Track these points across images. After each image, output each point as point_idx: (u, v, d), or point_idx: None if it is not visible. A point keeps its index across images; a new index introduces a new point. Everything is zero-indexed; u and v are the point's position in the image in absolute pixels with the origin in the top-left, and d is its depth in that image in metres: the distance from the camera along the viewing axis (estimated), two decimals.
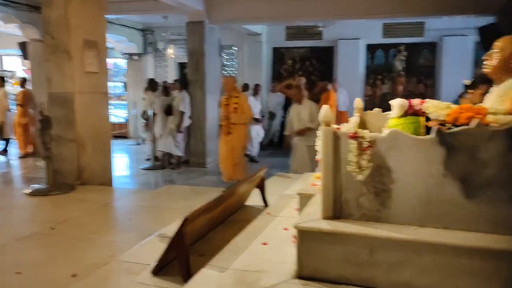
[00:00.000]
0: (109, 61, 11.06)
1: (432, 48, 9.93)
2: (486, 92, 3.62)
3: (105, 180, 5.61)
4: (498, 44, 2.36)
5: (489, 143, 1.88)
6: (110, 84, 8.81)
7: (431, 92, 9.97)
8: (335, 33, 10.22)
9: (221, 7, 7.80)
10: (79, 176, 5.34)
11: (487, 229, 1.93)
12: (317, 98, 8.98)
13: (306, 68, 10.80)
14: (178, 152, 7.89)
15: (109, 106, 5.95)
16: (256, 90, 9.22)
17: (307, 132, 5.57)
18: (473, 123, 1.91)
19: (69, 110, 5.24)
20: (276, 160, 8.48)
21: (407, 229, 2.00)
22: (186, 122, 7.87)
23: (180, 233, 2.49)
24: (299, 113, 5.67)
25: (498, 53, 2.33)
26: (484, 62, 2.44)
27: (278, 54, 11.01)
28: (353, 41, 10.19)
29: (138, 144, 10.93)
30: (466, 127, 1.92)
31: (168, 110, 7.85)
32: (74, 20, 5.15)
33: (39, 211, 4.51)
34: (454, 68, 9.49)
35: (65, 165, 5.32)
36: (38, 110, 5.56)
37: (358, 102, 3.10)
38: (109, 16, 7.03)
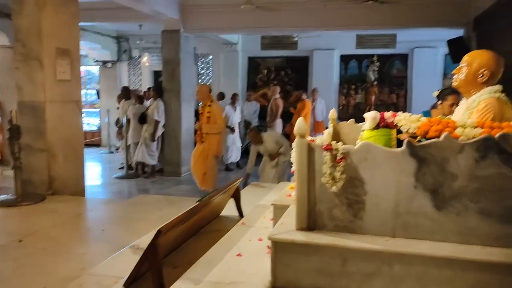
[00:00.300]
0: (82, 69, 10.86)
1: (403, 59, 10.20)
2: (455, 103, 3.73)
3: (77, 190, 5.49)
4: (466, 58, 2.44)
5: (458, 156, 1.94)
6: (82, 91, 8.66)
7: (403, 102, 10.22)
8: (310, 44, 10.36)
9: (197, 16, 7.80)
10: (49, 186, 5.20)
11: (457, 239, 1.97)
12: (293, 107, 9.06)
13: (281, 78, 10.89)
14: (152, 161, 7.81)
15: (82, 114, 5.84)
16: (234, 99, 9.22)
17: (278, 156, 5.62)
18: (443, 136, 1.96)
19: (39, 119, 5.12)
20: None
21: (379, 239, 2.02)
22: (160, 130, 7.80)
23: (153, 245, 2.45)
24: (266, 149, 5.67)
25: (466, 67, 2.41)
26: (453, 76, 2.52)
27: (254, 64, 11.07)
28: (328, 52, 10.35)
29: (111, 152, 10.76)
30: (436, 140, 1.97)
31: (142, 119, 7.77)
32: (46, 28, 5.05)
33: (7, 223, 4.36)
34: (424, 78, 9.77)
35: (35, 175, 5.19)
36: (7, 119, 5.40)
37: (333, 113, 3.15)
38: (83, 23, 6.92)
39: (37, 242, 3.63)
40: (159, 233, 2.48)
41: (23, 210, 4.67)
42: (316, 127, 9.28)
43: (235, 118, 9.04)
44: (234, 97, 9.23)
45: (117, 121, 9.04)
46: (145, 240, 2.71)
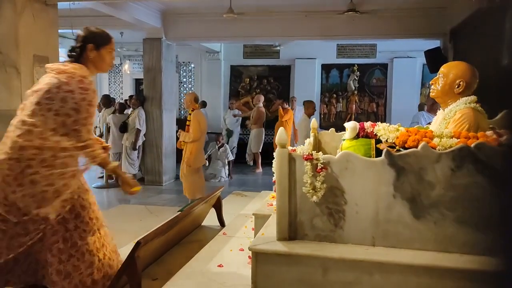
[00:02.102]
0: None
1: (383, 68, 10.36)
2: None
3: None
4: (443, 69, 2.49)
5: (436, 165, 1.97)
6: None
7: (382, 110, 10.36)
8: (291, 53, 10.44)
9: (179, 24, 7.79)
10: None
11: (435, 248, 2.00)
12: (275, 116, 9.09)
13: (263, 86, 10.93)
14: (132, 170, 7.71)
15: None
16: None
17: None
18: (420, 146, 1.99)
19: None
20: (233, 178, 8.45)
21: (359, 249, 2.04)
22: (141, 139, 7.72)
23: (132, 258, 2.41)
24: None
25: (442, 78, 2.46)
26: (431, 87, 2.57)
27: (236, 72, 11.09)
28: (309, 61, 10.45)
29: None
30: (413, 149, 2.00)
31: (123, 127, 7.68)
32: (23, 35, 4.97)
33: None
34: (403, 88, 9.95)
35: None
36: None
37: (314, 123, 3.17)
38: (63, 31, 6.83)
39: None
40: (138, 245, 2.45)
41: None
42: (296, 136, 9.33)
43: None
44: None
45: (95, 129, 8.93)
46: (124, 252, 2.66)
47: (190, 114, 5.71)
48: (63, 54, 10.06)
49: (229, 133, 9.83)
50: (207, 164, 7.81)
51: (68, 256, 2.35)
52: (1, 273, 2.38)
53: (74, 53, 2.49)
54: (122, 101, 9.20)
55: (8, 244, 2.32)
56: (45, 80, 2.39)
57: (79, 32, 2.54)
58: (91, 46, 2.47)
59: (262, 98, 9.55)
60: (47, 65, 2.48)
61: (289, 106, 9.11)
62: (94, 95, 2.42)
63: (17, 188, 2.27)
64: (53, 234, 2.35)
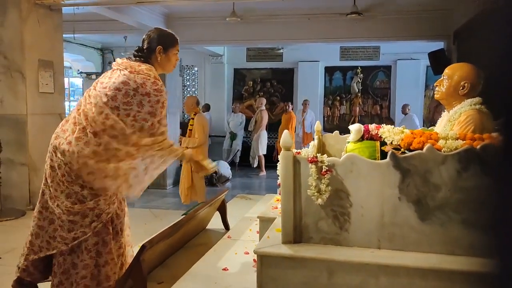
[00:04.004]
0: (65, 80, 10.74)
1: (387, 71, 10.34)
2: None
3: None
4: (447, 71, 2.48)
5: (441, 167, 1.96)
6: (66, 104, 8.54)
7: (386, 113, 10.34)
8: (295, 56, 10.45)
9: (182, 28, 7.81)
10: (30, 201, 5.10)
11: (441, 250, 1.99)
12: (278, 119, 9.10)
13: (267, 89, 10.94)
14: None
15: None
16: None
17: None
18: (426, 148, 1.98)
19: (21, 132, 5.03)
20: (237, 181, 8.45)
21: (365, 252, 2.03)
22: None
23: (137, 261, 2.41)
24: None
25: (447, 79, 2.45)
26: (435, 88, 2.56)
27: (239, 75, 11.11)
28: (312, 64, 10.45)
29: None
30: (419, 151, 1.99)
31: None
32: (29, 40, 5.00)
33: None
34: (407, 90, 9.93)
35: (15, 190, 5.07)
36: None
37: (318, 125, 3.17)
38: (67, 35, 6.87)
39: (17, 259, 3.53)
40: (143, 248, 2.45)
41: (2, 226, 4.56)
42: (306, 139, 9.33)
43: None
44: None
45: None
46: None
47: (192, 118, 5.68)
48: (68, 59, 10.13)
49: (233, 136, 9.84)
50: None
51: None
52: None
53: (141, 54, 2.48)
54: None
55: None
56: (119, 79, 2.33)
57: (149, 32, 2.54)
58: (160, 48, 2.48)
59: (264, 101, 9.55)
60: (118, 61, 2.43)
61: (294, 109, 9.12)
62: (166, 96, 2.43)
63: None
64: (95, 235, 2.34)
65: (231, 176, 8.31)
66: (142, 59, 2.46)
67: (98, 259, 2.34)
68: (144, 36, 2.54)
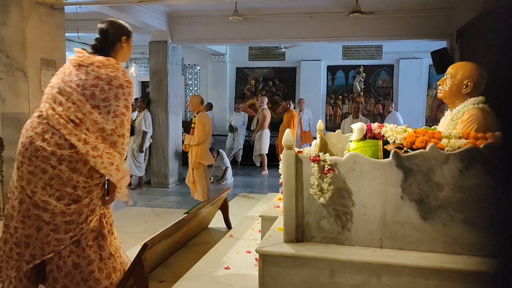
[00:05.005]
0: None
1: (389, 70, 10.32)
2: None
3: None
4: (450, 70, 2.47)
5: (444, 166, 1.95)
6: None
7: (388, 112, 10.30)
8: (297, 55, 10.43)
9: (184, 27, 7.82)
10: None
11: (443, 249, 1.98)
12: (281, 118, 9.08)
13: (269, 88, 10.93)
14: (139, 172, 7.73)
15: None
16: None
17: None
18: (429, 147, 1.97)
19: None
20: (239, 180, 8.45)
21: (367, 251, 2.02)
22: (148, 142, 7.75)
23: (138, 260, 2.41)
24: None
25: (450, 78, 2.44)
26: (438, 87, 2.55)
27: (242, 74, 11.10)
28: (315, 62, 10.43)
29: None
30: (421, 150, 1.99)
31: (130, 130, 7.71)
32: (31, 39, 5.00)
33: None
34: (410, 89, 9.91)
35: None
36: None
37: (320, 124, 3.17)
38: (69, 34, 6.88)
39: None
40: (145, 247, 2.45)
41: None
42: (304, 137, 9.32)
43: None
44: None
45: None
46: (131, 254, 2.66)
47: (195, 116, 5.72)
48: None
49: (231, 129, 9.82)
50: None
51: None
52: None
53: (103, 46, 2.45)
54: None
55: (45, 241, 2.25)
56: (91, 75, 2.31)
57: (105, 25, 2.50)
58: (125, 38, 2.49)
59: (265, 99, 9.54)
60: (77, 57, 2.37)
61: (295, 107, 9.10)
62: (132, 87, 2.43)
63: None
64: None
65: (228, 165, 8.32)
66: (101, 51, 2.43)
67: (102, 253, 2.35)
68: (102, 27, 2.49)
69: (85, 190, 2.28)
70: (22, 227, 2.25)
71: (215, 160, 7.79)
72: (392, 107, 9.03)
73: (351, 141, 2.36)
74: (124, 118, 2.35)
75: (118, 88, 2.31)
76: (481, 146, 1.92)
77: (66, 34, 5.64)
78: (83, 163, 2.25)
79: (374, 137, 2.27)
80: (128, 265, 2.49)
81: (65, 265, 2.28)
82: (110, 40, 2.46)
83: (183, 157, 8.13)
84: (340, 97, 10.58)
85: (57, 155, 2.22)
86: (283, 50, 10.47)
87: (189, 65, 11.10)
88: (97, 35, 2.49)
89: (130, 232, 4.26)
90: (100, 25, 2.52)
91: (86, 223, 2.29)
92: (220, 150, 8.37)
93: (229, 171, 8.31)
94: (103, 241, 2.36)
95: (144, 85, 11.32)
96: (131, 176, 7.74)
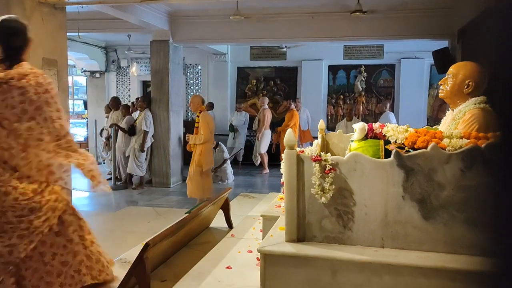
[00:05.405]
0: (69, 79, 10.80)
1: (391, 69, 10.31)
2: None
3: None
4: (452, 70, 2.47)
5: (445, 166, 1.95)
6: (70, 102, 8.58)
7: (382, 112, 10.30)
8: (298, 54, 10.43)
9: (186, 26, 7.82)
10: None
11: (444, 249, 1.98)
12: (282, 118, 9.08)
13: (270, 88, 10.92)
14: (140, 172, 7.74)
15: (69, 125, 5.78)
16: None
17: None
18: (430, 146, 1.98)
19: None
20: (240, 180, 8.46)
21: (369, 250, 2.02)
22: (149, 141, 7.76)
23: (140, 259, 2.42)
24: None
25: (451, 78, 2.44)
26: (440, 87, 2.55)
27: (243, 74, 11.10)
28: (316, 62, 10.43)
29: (99, 163, 10.65)
30: (423, 150, 1.99)
31: (131, 130, 7.72)
32: (33, 39, 5.01)
33: None
34: (411, 88, 9.90)
35: None
36: None
37: (321, 124, 3.17)
38: (71, 34, 6.89)
39: None
40: (146, 246, 2.45)
41: None
42: (302, 137, 9.33)
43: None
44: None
45: (101, 132, 9.01)
46: (133, 253, 2.67)
47: (198, 116, 5.76)
48: (72, 57, 10.16)
49: (231, 128, 9.84)
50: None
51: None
52: None
53: (16, 54, 2.30)
54: (129, 103, 9.26)
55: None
56: (15, 92, 2.17)
57: (7, 30, 2.32)
58: (31, 40, 2.40)
59: (266, 100, 9.55)
60: None
61: (293, 106, 9.10)
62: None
63: None
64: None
65: (227, 157, 8.35)
66: (13, 59, 2.28)
67: (84, 242, 2.41)
68: (6, 32, 2.31)
69: (27, 207, 2.24)
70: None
71: (214, 151, 7.83)
72: (386, 107, 8.98)
73: (352, 141, 2.36)
74: (61, 121, 2.31)
75: (45, 94, 2.24)
76: (483, 146, 1.92)
77: (68, 34, 5.65)
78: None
79: (376, 136, 2.27)
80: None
81: (53, 268, 2.28)
82: (22, 46, 2.34)
83: (184, 157, 8.14)
84: (342, 96, 10.58)
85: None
86: (285, 49, 10.47)
87: (190, 64, 11.11)
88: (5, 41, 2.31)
89: (132, 232, 4.27)
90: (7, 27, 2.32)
91: (43, 227, 2.27)
92: (220, 143, 8.40)
93: (229, 168, 8.33)
94: (82, 232, 2.43)
95: (145, 84, 11.33)
96: (132, 176, 7.79)
